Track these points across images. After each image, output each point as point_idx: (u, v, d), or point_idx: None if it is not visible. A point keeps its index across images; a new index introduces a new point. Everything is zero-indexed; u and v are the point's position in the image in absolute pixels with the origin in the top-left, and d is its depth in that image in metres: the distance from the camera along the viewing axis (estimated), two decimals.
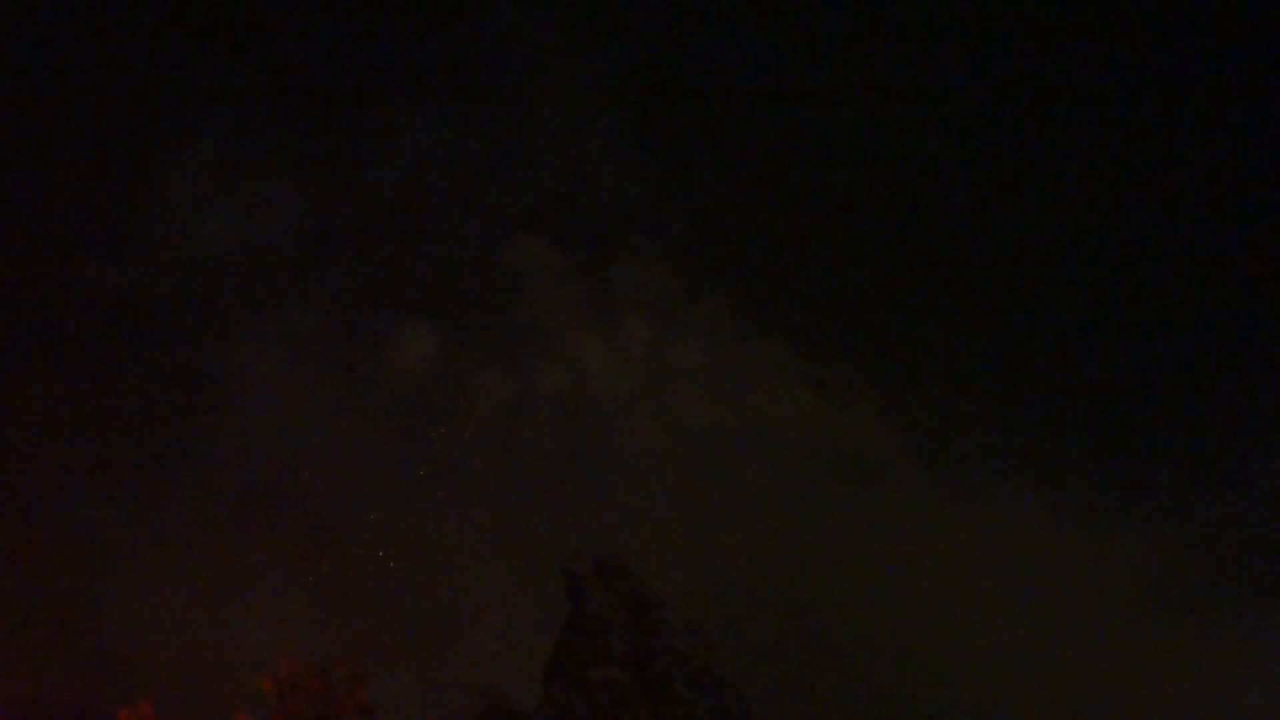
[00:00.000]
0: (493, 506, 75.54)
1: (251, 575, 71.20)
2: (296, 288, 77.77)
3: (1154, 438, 75.88)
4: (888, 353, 79.35)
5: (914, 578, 72.62)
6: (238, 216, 76.95)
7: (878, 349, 79.46)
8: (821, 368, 78.57)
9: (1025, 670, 68.85)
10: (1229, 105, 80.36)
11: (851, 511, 75.08)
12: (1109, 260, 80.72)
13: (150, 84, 79.15)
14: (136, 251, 76.42)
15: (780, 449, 76.79)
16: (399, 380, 77.36)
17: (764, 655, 70.18)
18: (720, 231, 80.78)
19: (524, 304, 79.07)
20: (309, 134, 79.65)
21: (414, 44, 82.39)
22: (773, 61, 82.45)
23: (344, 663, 22.56)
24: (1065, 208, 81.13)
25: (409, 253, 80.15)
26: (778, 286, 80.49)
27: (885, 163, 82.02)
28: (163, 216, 76.25)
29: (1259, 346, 77.64)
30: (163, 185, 76.94)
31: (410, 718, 64.29)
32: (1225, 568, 70.93)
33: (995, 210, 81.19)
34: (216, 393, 75.47)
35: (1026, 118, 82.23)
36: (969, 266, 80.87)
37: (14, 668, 63.82)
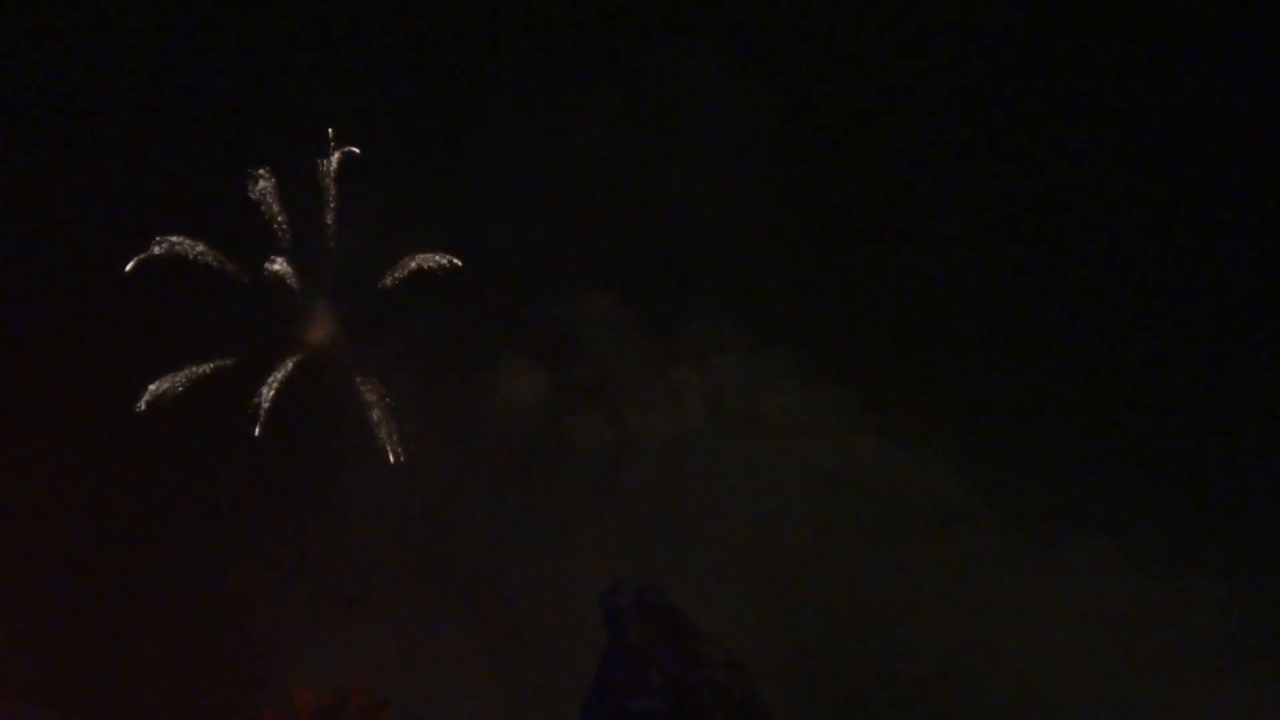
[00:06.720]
0: (584, 549, 76.17)
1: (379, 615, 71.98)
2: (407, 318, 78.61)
3: (1230, 487, 74.60)
4: (959, 400, 79.23)
5: (985, 624, 72.28)
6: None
7: (948, 397, 79.40)
8: (892, 416, 78.80)
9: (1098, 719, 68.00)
10: None
11: (923, 558, 75.02)
12: (1187, 311, 79.87)
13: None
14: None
15: (851, 495, 77.02)
16: (502, 420, 78.89)
17: (834, 697, 70.22)
18: (789, 280, 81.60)
19: (593, 352, 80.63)
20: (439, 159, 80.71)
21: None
22: (841, 114, 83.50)
23: (360, 690, 23.04)
24: (1140, 259, 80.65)
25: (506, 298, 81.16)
26: (847, 334, 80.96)
27: (953, 211, 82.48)
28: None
29: None
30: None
31: None
32: None
33: (1065, 258, 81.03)
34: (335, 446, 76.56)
35: (1100, 171, 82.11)
36: (1038, 314, 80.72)
37: None
